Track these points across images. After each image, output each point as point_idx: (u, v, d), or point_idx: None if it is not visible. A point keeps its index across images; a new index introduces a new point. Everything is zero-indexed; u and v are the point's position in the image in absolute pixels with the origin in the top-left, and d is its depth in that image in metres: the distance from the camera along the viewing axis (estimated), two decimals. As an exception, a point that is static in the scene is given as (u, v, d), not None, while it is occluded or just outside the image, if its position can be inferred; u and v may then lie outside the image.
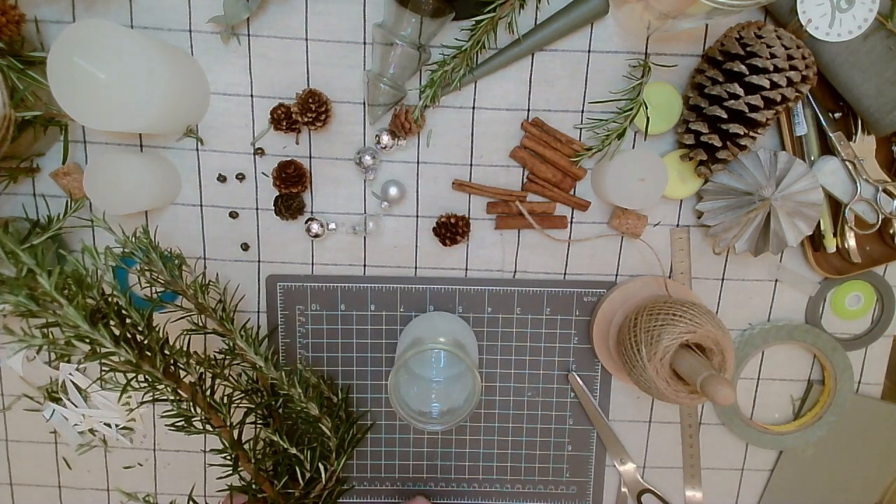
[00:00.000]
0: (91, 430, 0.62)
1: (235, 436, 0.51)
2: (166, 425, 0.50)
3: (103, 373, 0.44)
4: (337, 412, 0.56)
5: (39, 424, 0.62)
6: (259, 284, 0.58)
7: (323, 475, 0.54)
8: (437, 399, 0.54)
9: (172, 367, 0.48)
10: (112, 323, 0.43)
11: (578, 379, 0.61)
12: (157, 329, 0.47)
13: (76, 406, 0.60)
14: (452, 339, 0.51)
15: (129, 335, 0.44)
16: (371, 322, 0.59)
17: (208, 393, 0.50)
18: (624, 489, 0.64)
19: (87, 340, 0.41)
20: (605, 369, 0.61)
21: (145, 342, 0.45)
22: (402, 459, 0.63)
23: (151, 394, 0.47)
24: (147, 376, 0.45)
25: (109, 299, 0.44)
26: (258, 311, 0.59)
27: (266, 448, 0.54)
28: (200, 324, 0.51)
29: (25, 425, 0.62)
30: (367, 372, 0.61)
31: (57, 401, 0.60)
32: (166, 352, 0.47)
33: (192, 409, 0.49)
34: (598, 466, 0.64)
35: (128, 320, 0.45)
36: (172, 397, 0.47)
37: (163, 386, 0.46)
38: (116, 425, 0.61)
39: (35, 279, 0.39)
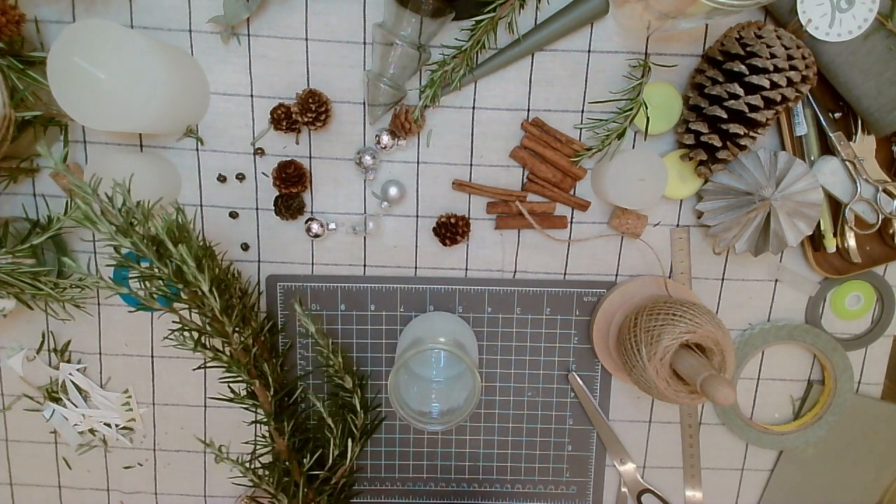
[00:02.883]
0: (91, 430, 0.62)
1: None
2: (221, 380, 0.52)
3: (174, 332, 0.47)
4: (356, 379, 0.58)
5: (39, 424, 0.62)
6: (259, 284, 0.58)
7: (349, 453, 0.55)
8: (437, 399, 0.54)
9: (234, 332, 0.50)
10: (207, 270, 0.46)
11: (578, 379, 0.61)
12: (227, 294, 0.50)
13: (76, 406, 0.60)
14: (452, 339, 0.51)
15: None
16: (371, 322, 0.59)
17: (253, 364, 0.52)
18: (624, 489, 0.64)
19: (186, 282, 0.45)
20: (605, 369, 0.61)
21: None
22: (402, 459, 0.63)
23: (210, 354, 0.49)
24: (215, 335, 0.48)
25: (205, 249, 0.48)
26: (258, 311, 0.59)
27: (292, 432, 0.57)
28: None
29: (25, 425, 0.62)
30: (368, 372, 0.61)
31: (57, 401, 0.60)
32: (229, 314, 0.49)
33: (244, 374, 0.51)
34: (598, 466, 0.64)
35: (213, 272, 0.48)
36: (230, 361, 0.49)
37: (226, 348, 0.49)
38: (116, 425, 0.61)
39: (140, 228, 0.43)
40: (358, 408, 0.55)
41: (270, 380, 0.52)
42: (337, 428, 0.55)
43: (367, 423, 0.57)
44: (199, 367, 0.52)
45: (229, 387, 0.53)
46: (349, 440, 0.55)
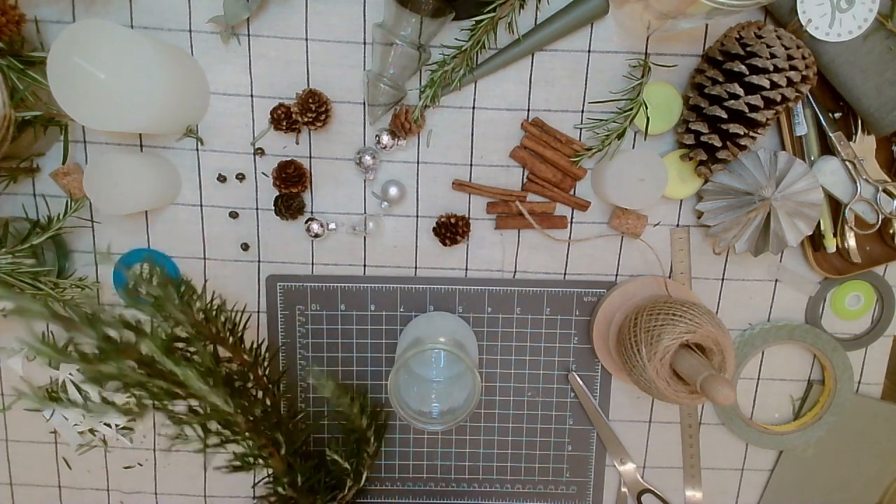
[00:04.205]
0: (91, 430, 0.62)
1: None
2: (224, 470, 0.49)
3: (175, 438, 0.43)
4: (360, 399, 0.56)
5: (39, 424, 0.62)
6: (259, 284, 0.58)
7: (362, 479, 0.55)
8: (437, 399, 0.54)
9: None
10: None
11: (578, 379, 0.61)
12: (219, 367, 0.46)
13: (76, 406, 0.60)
14: (452, 339, 0.51)
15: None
16: (371, 322, 0.59)
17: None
18: (624, 489, 0.64)
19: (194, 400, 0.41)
20: (605, 369, 0.61)
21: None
22: (402, 459, 0.63)
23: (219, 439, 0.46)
24: (226, 423, 0.45)
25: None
26: (258, 311, 0.59)
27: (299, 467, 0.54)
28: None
29: (25, 425, 0.62)
30: (367, 372, 0.61)
31: (57, 401, 0.60)
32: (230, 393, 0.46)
33: (250, 446, 0.48)
34: (598, 466, 0.64)
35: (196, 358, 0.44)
36: (239, 439, 0.47)
37: (234, 430, 0.46)
38: (116, 425, 0.61)
39: (139, 348, 0.39)
40: (372, 440, 0.55)
41: (282, 439, 0.50)
42: (352, 466, 0.54)
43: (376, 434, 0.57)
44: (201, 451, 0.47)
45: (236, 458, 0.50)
46: (361, 468, 0.55)
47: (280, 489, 0.52)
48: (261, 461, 0.49)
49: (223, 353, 0.50)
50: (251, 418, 0.46)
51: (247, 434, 0.46)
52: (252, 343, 0.53)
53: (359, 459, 0.55)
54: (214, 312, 0.48)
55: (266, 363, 0.52)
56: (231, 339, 0.50)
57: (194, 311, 0.46)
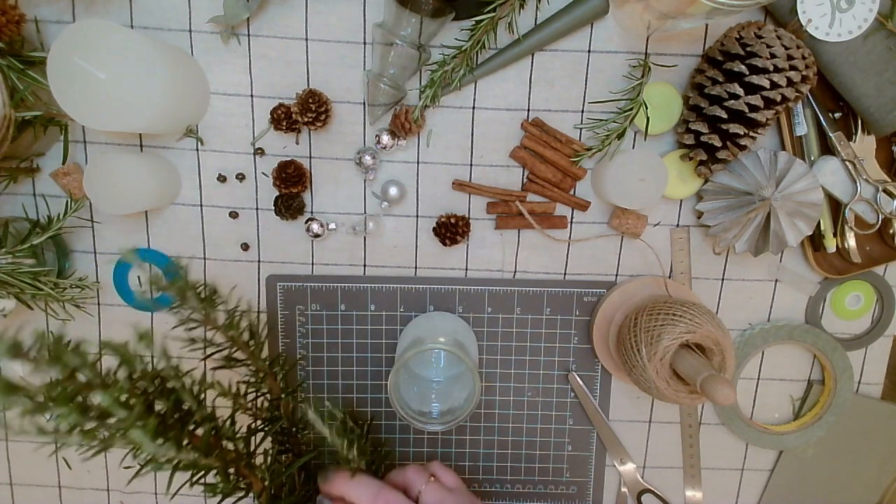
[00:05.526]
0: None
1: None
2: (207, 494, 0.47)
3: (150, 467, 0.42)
4: (359, 442, 0.55)
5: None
6: (259, 284, 0.58)
7: None
8: (437, 399, 0.54)
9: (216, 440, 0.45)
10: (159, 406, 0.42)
11: (578, 379, 0.61)
12: (204, 403, 0.45)
13: (76, 406, 0.60)
14: (452, 339, 0.51)
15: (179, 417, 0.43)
16: (371, 322, 0.59)
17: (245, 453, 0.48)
18: (624, 489, 0.64)
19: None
20: (605, 369, 0.61)
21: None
22: (403, 459, 0.63)
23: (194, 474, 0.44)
24: (200, 465, 0.44)
25: (158, 379, 0.43)
26: (258, 311, 0.59)
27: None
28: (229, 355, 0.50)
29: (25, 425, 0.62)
30: (367, 372, 0.61)
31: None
32: (214, 429, 0.44)
33: (234, 477, 0.47)
34: (598, 466, 0.64)
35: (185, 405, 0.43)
36: (220, 476, 0.45)
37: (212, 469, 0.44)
38: (116, 425, 0.61)
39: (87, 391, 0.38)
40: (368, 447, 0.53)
41: (263, 472, 0.48)
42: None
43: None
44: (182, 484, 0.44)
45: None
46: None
47: None
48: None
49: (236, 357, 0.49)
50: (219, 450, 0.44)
51: (214, 464, 0.44)
52: (266, 356, 0.52)
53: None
54: (237, 317, 0.48)
55: (283, 372, 0.52)
56: (252, 345, 0.49)
57: (216, 314, 0.46)
